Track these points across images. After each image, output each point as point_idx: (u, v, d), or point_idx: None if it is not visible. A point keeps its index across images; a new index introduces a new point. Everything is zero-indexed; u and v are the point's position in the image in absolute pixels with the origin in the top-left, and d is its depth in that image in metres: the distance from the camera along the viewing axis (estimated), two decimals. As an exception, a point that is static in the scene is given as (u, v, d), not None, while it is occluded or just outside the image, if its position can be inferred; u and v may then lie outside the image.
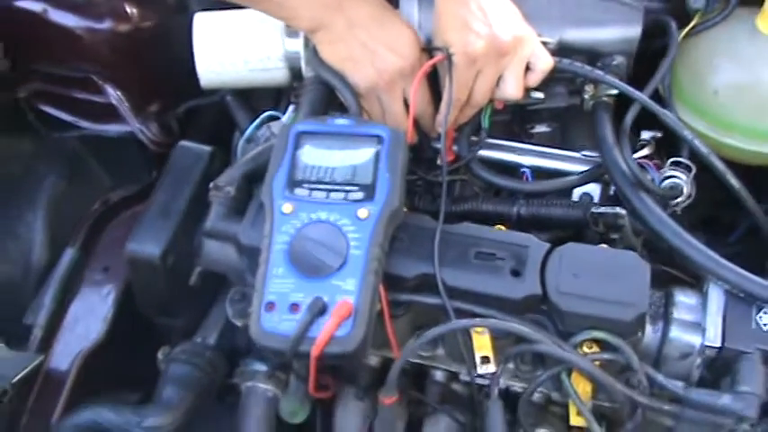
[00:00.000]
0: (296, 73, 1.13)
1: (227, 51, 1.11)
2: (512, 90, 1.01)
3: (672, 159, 1.04)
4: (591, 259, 0.92)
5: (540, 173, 1.09)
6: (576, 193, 1.08)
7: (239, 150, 1.12)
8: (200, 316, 1.09)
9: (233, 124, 1.21)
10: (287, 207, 0.90)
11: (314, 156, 0.93)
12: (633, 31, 1.08)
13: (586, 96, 1.07)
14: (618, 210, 0.97)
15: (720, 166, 1.00)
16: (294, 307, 0.84)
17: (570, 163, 1.09)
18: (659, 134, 1.07)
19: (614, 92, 1.05)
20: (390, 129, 0.94)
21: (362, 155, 0.92)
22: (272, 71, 1.12)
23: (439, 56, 0.99)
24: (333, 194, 0.90)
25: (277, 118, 1.13)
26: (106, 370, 1.13)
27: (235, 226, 0.96)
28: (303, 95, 1.06)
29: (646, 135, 1.07)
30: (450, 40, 0.98)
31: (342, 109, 1.04)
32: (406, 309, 0.96)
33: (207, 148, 1.07)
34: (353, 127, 0.95)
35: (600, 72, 1.03)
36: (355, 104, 1.01)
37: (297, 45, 1.11)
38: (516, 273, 0.91)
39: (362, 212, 0.88)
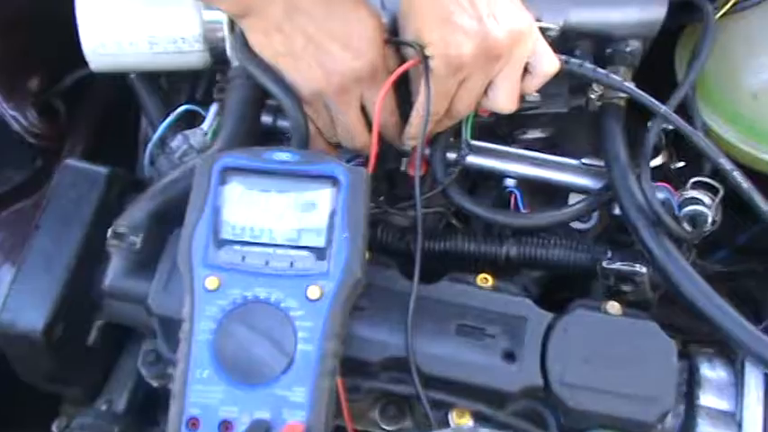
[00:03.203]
0: (218, 55, 0.86)
1: (124, 28, 0.83)
2: (504, 101, 0.77)
3: (693, 180, 0.83)
4: (603, 335, 0.72)
5: (528, 184, 0.88)
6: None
7: (147, 158, 0.86)
8: (102, 375, 0.86)
9: (137, 105, 0.94)
10: (211, 281, 0.67)
11: (246, 204, 0.69)
12: (656, 12, 0.84)
13: (593, 96, 0.84)
14: (638, 268, 0.77)
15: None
16: (226, 426, 0.64)
17: (567, 173, 0.88)
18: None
19: None
20: (349, 169, 0.70)
21: (312, 205, 0.69)
22: (185, 54, 0.85)
23: (411, 61, 0.74)
24: (273, 262, 0.68)
25: (196, 114, 0.87)
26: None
27: (142, 284, 0.73)
28: (228, 92, 0.81)
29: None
30: (429, 38, 0.72)
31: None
32: (367, 392, 0.75)
33: (102, 170, 0.79)
34: (300, 164, 0.70)
35: (618, 78, 0.80)
36: (297, 114, 0.77)
37: (218, 16, 0.84)
38: (510, 355, 0.72)
39: (314, 291, 0.66)
